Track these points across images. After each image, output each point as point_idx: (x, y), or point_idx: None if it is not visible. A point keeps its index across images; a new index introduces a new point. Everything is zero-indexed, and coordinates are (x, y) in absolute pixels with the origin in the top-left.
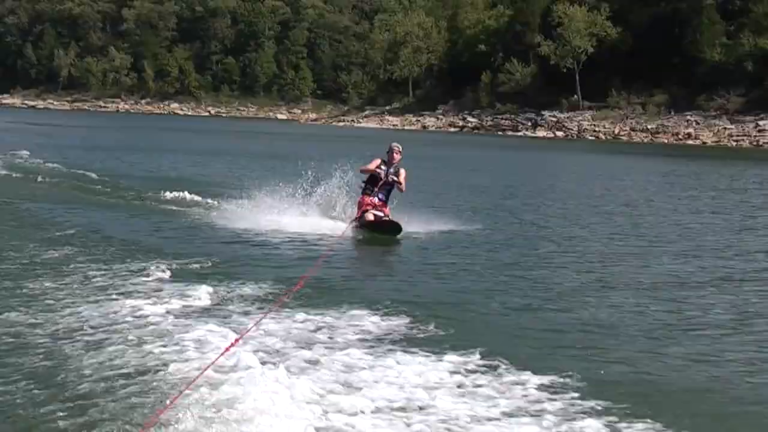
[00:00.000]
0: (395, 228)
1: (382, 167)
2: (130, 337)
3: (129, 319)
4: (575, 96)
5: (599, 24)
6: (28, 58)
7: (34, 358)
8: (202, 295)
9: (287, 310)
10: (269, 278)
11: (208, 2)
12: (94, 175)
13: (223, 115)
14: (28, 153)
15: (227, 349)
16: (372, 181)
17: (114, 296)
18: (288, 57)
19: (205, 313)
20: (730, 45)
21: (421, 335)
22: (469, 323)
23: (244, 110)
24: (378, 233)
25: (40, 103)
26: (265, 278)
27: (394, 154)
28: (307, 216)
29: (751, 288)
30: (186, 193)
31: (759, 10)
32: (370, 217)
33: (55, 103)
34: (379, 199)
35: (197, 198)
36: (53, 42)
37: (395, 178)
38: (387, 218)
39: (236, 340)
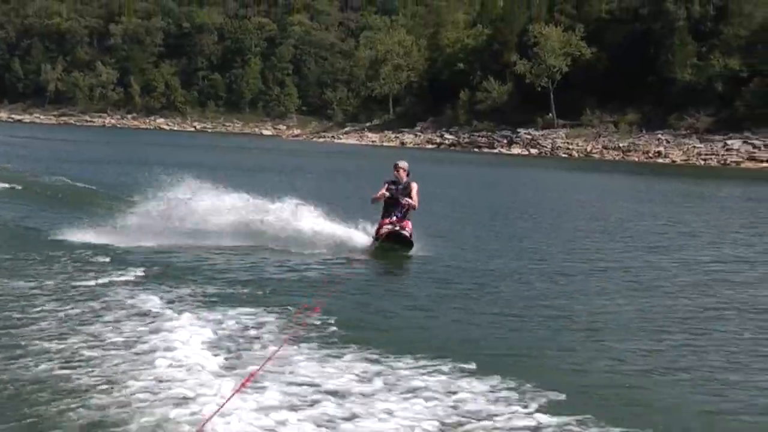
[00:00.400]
0: (407, 243)
1: (392, 187)
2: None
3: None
4: (550, 114)
5: (574, 43)
6: (15, 72)
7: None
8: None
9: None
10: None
11: (195, 18)
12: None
13: (209, 130)
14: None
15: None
16: (387, 204)
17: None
18: (274, 73)
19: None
20: (701, 66)
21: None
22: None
23: (229, 126)
24: (397, 245)
25: (27, 117)
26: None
27: (398, 172)
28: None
29: (545, 276)
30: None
31: (729, 31)
32: (385, 230)
33: (41, 117)
34: (396, 216)
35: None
36: (41, 56)
37: (409, 201)
38: (397, 231)
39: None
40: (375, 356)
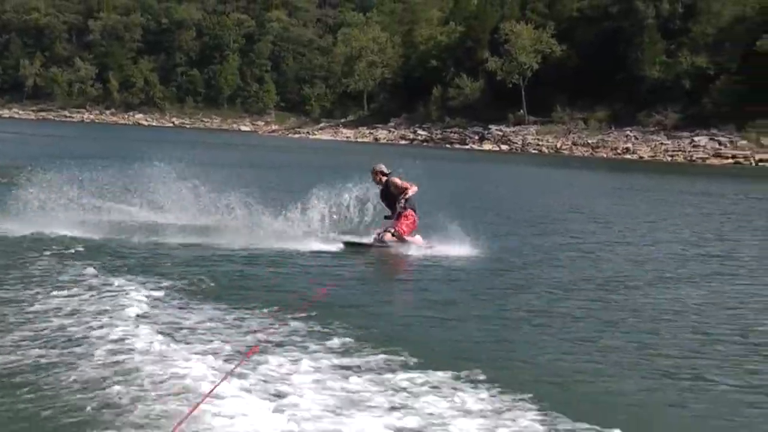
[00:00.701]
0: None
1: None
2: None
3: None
4: (521, 111)
5: (544, 41)
6: None
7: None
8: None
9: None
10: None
11: (174, 15)
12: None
13: (188, 126)
14: None
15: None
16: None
17: None
18: (252, 69)
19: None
20: (669, 63)
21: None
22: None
23: (208, 121)
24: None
25: (6, 113)
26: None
27: (375, 176)
28: None
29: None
30: None
31: (697, 29)
32: (387, 236)
33: (20, 112)
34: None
35: None
36: (19, 52)
37: (403, 199)
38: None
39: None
40: (355, 349)
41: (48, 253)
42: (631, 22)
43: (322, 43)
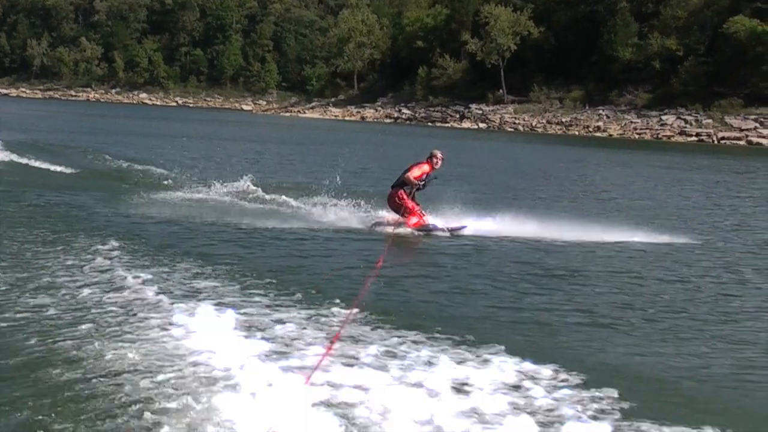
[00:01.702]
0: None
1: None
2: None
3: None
4: (500, 90)
5: (522, 23)
6: (1, 47)
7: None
8: None
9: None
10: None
11: None
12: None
13: (191, 105)
14: None
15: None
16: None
17: None
18: (254, 50)
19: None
20: (640, 45)
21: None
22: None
23: (211, 101)
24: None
25: (13, 92)
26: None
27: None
28: None
29: None
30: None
31: (668, 13)
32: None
33: (27, 91)
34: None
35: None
36: (26, 32)
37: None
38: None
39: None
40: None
41: (92, 236)
42: (606, 6)
43: (324, 24)
